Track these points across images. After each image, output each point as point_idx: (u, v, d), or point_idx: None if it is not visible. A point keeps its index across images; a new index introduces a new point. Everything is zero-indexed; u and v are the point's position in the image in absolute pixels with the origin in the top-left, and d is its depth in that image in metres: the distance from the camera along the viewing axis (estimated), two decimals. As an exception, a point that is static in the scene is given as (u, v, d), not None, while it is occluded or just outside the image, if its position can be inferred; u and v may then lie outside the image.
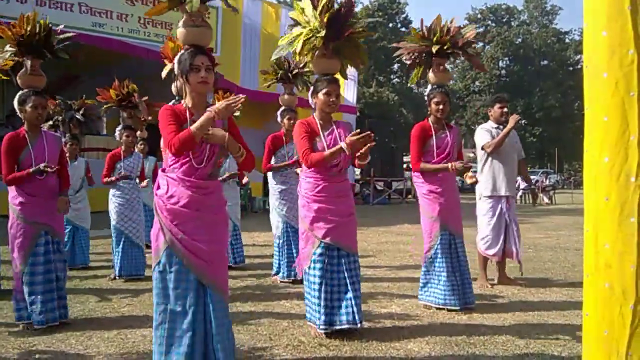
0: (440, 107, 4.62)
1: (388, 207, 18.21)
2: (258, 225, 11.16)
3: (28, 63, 4.12)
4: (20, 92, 4.21)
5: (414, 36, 4.68)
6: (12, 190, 4.17)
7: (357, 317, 3.74)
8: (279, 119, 5.99)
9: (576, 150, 40.22)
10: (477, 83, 47.93)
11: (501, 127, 5.58)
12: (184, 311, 2.87)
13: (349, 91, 18.76)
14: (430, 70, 4.70)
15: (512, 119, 5.39)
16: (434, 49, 4.54)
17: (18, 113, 4.26)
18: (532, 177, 29.86)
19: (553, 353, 3.55)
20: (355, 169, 23.30)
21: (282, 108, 6.01)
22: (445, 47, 4.54)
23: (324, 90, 3.88)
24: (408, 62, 4.80)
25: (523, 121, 5.60)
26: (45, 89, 4.34)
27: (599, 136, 1.62)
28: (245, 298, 5.08)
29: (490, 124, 5.72)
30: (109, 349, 3.60)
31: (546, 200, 22.46)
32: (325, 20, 3.76)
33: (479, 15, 50.72)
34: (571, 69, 47.16)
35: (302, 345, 3.64)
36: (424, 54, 4.68)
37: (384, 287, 5.55)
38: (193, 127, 2.76)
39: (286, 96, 6.03)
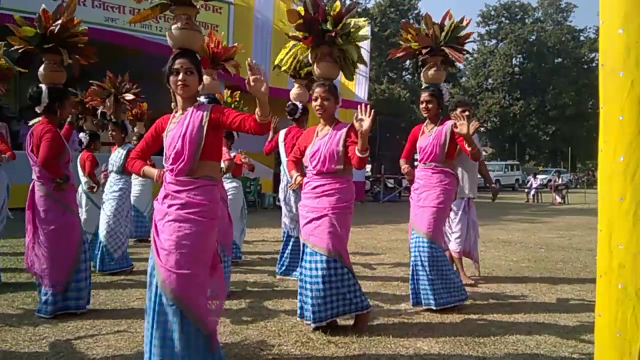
0: (424, 106, 4.62)
1: (398, 205, 18.16)
2: (268, 222, 11.18)
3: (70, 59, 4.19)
4: (49, 87, 4.24)
5: (402, 38, 4.69)
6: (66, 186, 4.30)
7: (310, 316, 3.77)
8: (297, 114, 5.91)
9: (590, 149, 39.96)
10: (489, 80, 47.64)
11: None
12: (149, 309, 2.90)
13: (359, 88, 18.71)
14: (424, 69, 4.69)
15: (472, 127, 5.35)
16: (416, 46, 4.56)
17: (42, 107, 4.26)
18: (544, 176, 30.09)
19: (564, 354, 3.52)
20: (366, 166, 23.27)
21: (302, 105, 5.90)
22: (434, 47, 4.53)
23: (313, 96, 3.90)
24: (408, 61, 4.82)
25: (482, 128, 5.53)
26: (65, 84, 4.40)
27: (614, 135, 1.60)
28: (253, 294, 5.09)
29: None
30: (119, 342, 3.62)
31: (559, 199, 22.31)
32: (297, 27, 3.83)
33: (492, 12, 50.38)
34: (586, 67, 46.74)
35: (311, 342, 3.64)
36: (417, 54, 4.67)
37: (393, 285, 5.54)
38: (143, 171, 3.13)
39: (297, 91, 5.98)
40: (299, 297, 3.88)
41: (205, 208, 2.85)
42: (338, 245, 3.75)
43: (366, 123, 3.45)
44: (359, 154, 3.60)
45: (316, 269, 3.75)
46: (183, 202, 2.85)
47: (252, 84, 2.67)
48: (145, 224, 7.95)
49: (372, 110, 3.48)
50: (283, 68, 4.43)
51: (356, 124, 3.50)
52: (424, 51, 4.56)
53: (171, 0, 3.09)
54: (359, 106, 3.60)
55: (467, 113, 5.41)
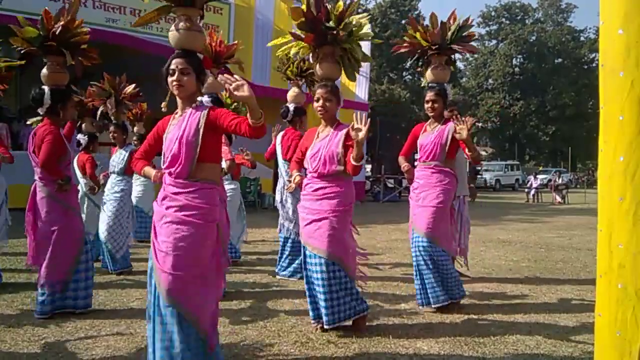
0: (429, 105, 4.60)
1: (398, 205, 18.15)
2: (268, 222, 11.17)
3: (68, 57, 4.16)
4: (52, 89, 4.25)
5: (409, 34, 4.66)
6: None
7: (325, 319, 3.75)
8: (289, 117, 5.92)
9: (590, 149, 39.93)
10: (490, 81, 47.64)
11: None
12: (149, 312, 2.90)
13: (360, 88, 18.70)
14: (429, 68, 4.66)
15: (469, 123, 5.36)
16: (424, 43, 4.54)
17: (45, 108, 4.27)
18: (544, 176, 30.05)
19: (564, 354, 3.52)
20: (366, 166, 23.24)
21: (294, 106, 5.94)
22: (441, 45, 4.52)
23: (314, 97, 3.90)
24: (408, 57, 4.79)
25: (479, 124, 5.55)
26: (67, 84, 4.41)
27: (614, 135, 1.59)
28: (253, 295, 5.09)
29: None
30: (118, 343, 3.61)
31: (559, 199, 22.29)
32: (299, 25, 3.83)
33: (493, 13, 50.39)
34: (586, 67, 46.74)
35: (311, 342, 3.64)
36: (423, 52, 4.65)
37: (393, 285, 5.54)
38: (144, 171, 3.15)
39: (294, 93, 5.99)
40: (309, 299, 3.87)
41: (203, 211, 2.84)
42: (338, 249, 3.74)
43: (362, 133, 3.45)
44: (353, 162, 3.61)
45: (318, 271, 3.74)
46: (181, 205, 2.84)
47: (234, 93, 2.63)
48: (148, 225, 7.93)
49: (369, 120, 3.48)
50: (278, 53, 4.41)
51: (352, 134, 3.49)
52: (433, 47, 4.53)
53: (172, 2, 3.08)
54: (355, 114, 3.55)
55: (456, 112, 5.44)
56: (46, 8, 4.20)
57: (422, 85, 4.90)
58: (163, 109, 3.13)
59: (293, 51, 4.13)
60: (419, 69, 4.87)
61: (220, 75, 2.70)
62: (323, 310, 3.74)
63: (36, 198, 4.26)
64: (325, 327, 3.77)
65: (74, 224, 4.31)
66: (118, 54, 12.76)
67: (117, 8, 13.68)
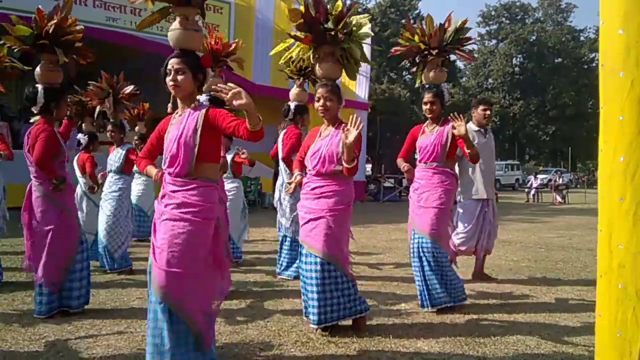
0: (428, 106, 4.61)
1: (398, 204, 18.16)
2: (268, 221, 11.16)
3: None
4: (45, 87, 4.24)
5: (404, 37, 4.67)
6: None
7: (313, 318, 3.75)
8: (290, 115, 5.92)
9: (590, 149, 39.91)
10: (489, 80, 47.62)
11: (482, 129, 5.82)
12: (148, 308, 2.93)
13: (360, 88, 18.73)
14: (426, 70, 4.67)
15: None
16: (422, 46, 4.55)
17: (39, 107, 4.26)
18: (544, 176, 30.08)
19: (564, 354, 3.52)
20: (366, 165, 23.24)
21: (295, 104, 5.93)
22: (437, 48, 4.52)
23: (315, 97, 3.90)
24: (405, 61, 4.82)
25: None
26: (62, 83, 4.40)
27: (614, 135, 1.60)
28: (253, 294, 5.09)
29: (471, 126, 5.79)
30: (119, 342, 3.62)
31: (559, 199, 22.30)
32: (298, 26, 3.84)
33: (492, 13, 50.38)
34: (586, 67, 46.71)
35: (311, 342, 3.64)
36: (420, 54, 4.66)
37: (393, 285, 5.54)
38: (146, 170, 3.20)
39: (296, 91, 5.98)
40: (302, 297, 3.88)
41: (201, 209, 2.85)
42: (333, 249, 3.73)
43: (352, 136, 3.47)
44: (345, 165, 3.62)
45: (312, 270, 3.73)
46: (179, 202, 2.86)
47: (234, 102, 2.63)
48: (148, 224, 7.92)
49: (362, 125, 3.49)
50: (281, 62, 4.43)
51: (342, 135, 3.52)
52: (433, 52, 4.54)
53: (169, 2, 3.09)
54: (351, 117, 3.57)
55: (488, 112, 5.54)
56: (39, 7, 4.19)
57: (417, 86, 4.92)
58: (169, 111, 3.14)
59: (294, 54, 4.13)
60: (413, 70, 4.88)
61: (214, 86, 2.71)
62: (311, 310, 3.73)
63: (32, 198, 4.26)
64: (312, 325, 3.76)
65: (69, 224, 4.29)
66: (118, 53, 12.75)
67: (117, 7, 13.70)
